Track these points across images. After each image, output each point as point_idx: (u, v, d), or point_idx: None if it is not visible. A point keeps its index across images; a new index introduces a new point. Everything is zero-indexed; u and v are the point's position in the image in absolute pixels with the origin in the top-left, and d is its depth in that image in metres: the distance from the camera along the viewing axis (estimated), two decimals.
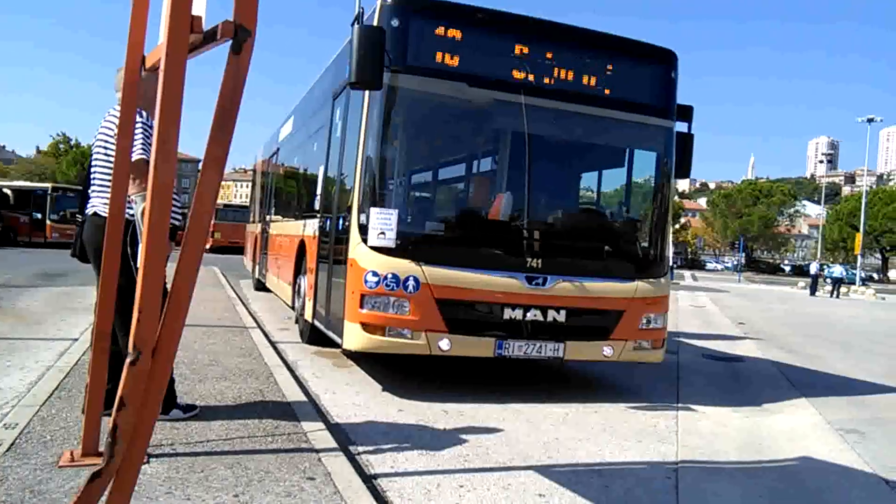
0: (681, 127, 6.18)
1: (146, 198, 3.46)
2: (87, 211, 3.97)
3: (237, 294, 11.65)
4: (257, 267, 13.11)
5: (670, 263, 6.24)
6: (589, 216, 6.51)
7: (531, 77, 5.49)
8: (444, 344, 5.13)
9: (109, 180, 3.80)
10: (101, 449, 3.08)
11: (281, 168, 11.59)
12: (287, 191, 10.88)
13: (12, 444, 3.25)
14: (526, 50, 5.50)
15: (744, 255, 59.35)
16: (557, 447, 4.28)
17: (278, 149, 12.00)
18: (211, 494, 2.85)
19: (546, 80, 5.55)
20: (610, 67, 5.77)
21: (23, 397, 4.25)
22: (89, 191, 4.04)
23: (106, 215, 3.74)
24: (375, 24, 5.15)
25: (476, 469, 3.73)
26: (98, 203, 3.88)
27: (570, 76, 5.63)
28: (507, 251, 5.41)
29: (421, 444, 4.06)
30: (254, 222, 14.65)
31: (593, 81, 5.70)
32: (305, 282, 7.31)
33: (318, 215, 6.98)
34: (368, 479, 3.34)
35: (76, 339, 6.33)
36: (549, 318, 5.35)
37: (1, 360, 5.55)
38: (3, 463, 3.00)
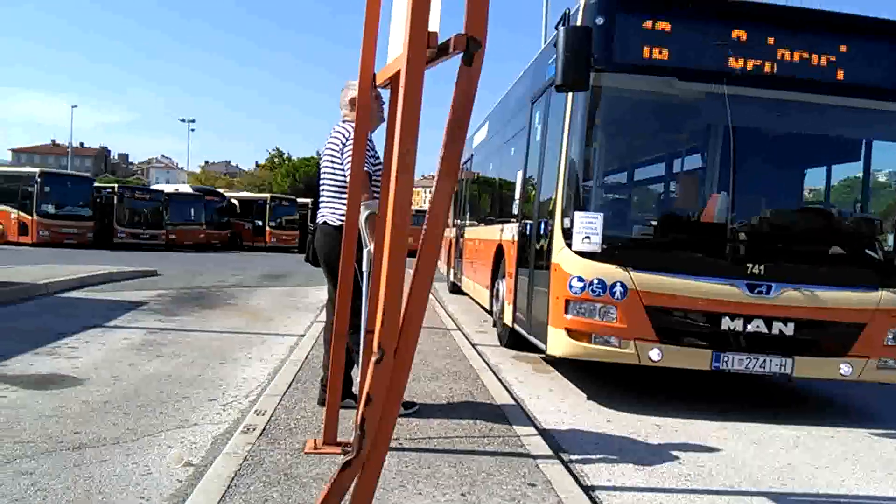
0: None
1: (369, 207, 3.74)
2: (317, 220, 4.31)
3: (434, 296, 12.15)
4: (452, 270, 13.58)
5: None
6: (819, 217, 5.84)
7: (751, 66, 5.07)
8: (655, 354, 4.90)
9: (336, 192, 4.13)
10: (340, 438, 3.36)
11: (475, 174, 11.89)
12: (482, 196, 11.14)
13: (264, 430, 3.64)
14: (744, 37, 5.09)
15: None
16: (791, 474, 3.88)
17: (472, 155, 12.32)
18: (440, 491, 2.96)
19: (768, 69, 5.09)
20: (845, 50, 5.16)
21: (265, 387, 4.76)
22: (319, 202, 4.37)
23: (334, 224, 4.08)
24: (580, 23, 5.07)
25: (700, 490, 3.50)
26: (327, 213, 4.19)
27: (798, 62, 5.11)
28: (725, 256, 5.03)
29: (635, 459, 3.90)
30: (448, 227, 15.19)
31: (825, 67, 5.12)
32: (504, 286, 7.40)
33: (517, 220, 7.03)
34: (587, 491, 3.27)
35: (302, 335, 6.99)
36: (775, 331, 4.89)
37: (244, 352, 6.29)
38: (258, 446, 3.37)
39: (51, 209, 24.17)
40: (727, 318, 4.91)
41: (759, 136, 5.38)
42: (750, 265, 4.95)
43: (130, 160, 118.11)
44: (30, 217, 23.69)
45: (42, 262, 13.92)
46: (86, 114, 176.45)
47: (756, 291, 4.90)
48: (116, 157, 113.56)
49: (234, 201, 34.20)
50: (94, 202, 25.99)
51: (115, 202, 26.56)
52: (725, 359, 4.90)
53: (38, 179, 24.07)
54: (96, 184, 28.53)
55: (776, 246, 5.18)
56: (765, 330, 4.90)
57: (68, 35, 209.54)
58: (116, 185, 30.02)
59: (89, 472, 3.11)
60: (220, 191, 37.96)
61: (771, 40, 5.11)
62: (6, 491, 2.86)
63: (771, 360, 4.90)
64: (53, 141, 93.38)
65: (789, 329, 4.90)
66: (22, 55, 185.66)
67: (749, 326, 4.91)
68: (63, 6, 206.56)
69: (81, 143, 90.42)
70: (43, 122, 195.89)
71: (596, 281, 4.95)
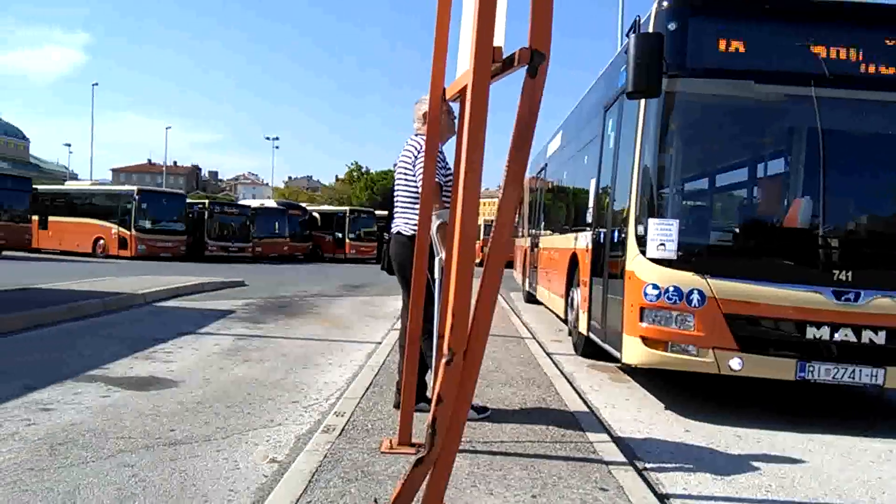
0: None
1: (440, 216, 3.85)
2: (392, 230, 4.46)
3: (509, 306, 12.18)
4: (527, 280, 13.56)
5: None
6: None
7: (831, 67, 4.89)
8: (736, 363, 4.77)
9: (409, 202, 4.27)
10: (415, 440, 3.47)
11: (549, 183, 11.87)
12: (556, 205, 11.10)
13: (343, 430, 3.80)
14: (826, 37, 4.93)
15: None
16: (882, 487, 3.70)
17: (546, 164, 12.31)
18: (511, 492, 3.02)
19: (851, 69, 4.90)
20: None
21: (344, 391, 4.95)
22: (393, 212, 4.52)
23: (407, 234, 4.21)
24: (652, 29, 5.04)
25: (781, 502, 3.40)
26: (400, 223, 4.33)
27: (883, 61, 4.90)
28: (808, 263, 4.86)
29: (714, 469, 3.82)
30: (522, 237, 15.19)
31: None
32: (579, 295, 7.36)
33: (591, 228, 7.00)
34: (661, 498, 3.24)
35: (379, 343, 7.19)
36: (865, 339, 4.67)
37: (324, 357, 6.54)
38: (338, 445, 3.53)
39: (147, 224, 25.71)
40: (812, 326, 4.73)
41: (846, 138, 5.17)
42: (836, 272, 4.76)
43: (219, 177, 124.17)
44: (128, 232, 25.29)
45: (139, 274, 14.86)
46: (179, 134, 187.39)
47: (843, 299, 4.70)
48: (207, 175, 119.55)
49: (316, 214, 35.31)
50: (186, 217, 27.45)
51: (206, 217, 27.98)
52: (811, 368, 4.72)
53: (136, 197, 25.67)
54: (188, 200, 30.10)
55: (864, 251, 4.95)
56: (853, 339, 4.69)
57: (163, 63, 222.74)
58: (207, 201, 31.59)
59: (183, 466, 3.35)
60: (303, 205, 39.26)
61: (854, 40, 4.92)
62: (111, 480, 3.12)
63: (861, 371, 4.68)
64: (149, 160, 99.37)
65: (880, 338, 4.67)
66: (122, 81, 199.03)
67: (836, 335, 4.71)
68: (156, 36, 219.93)
69: (175, 162, 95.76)
70: (140, 143, 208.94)
71: (672, 288, 4.88)
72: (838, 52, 4.89)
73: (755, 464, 3.97)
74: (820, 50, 4.91)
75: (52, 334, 7.24)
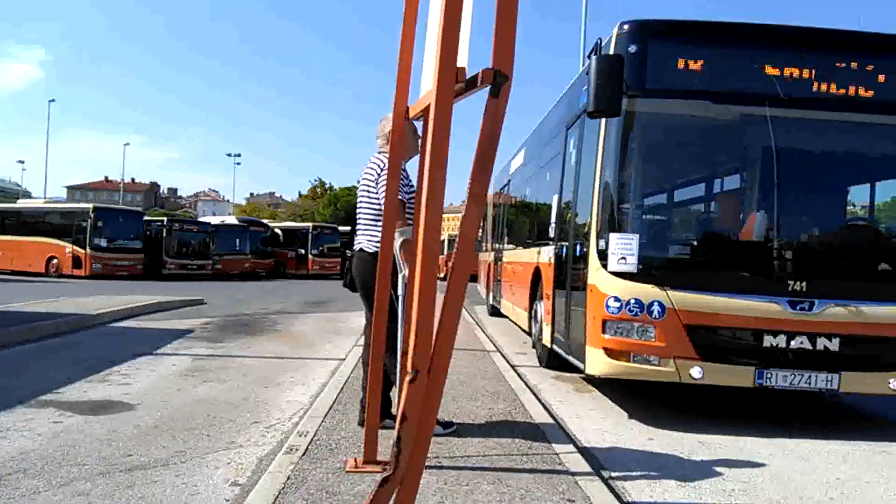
0: None
1: (403, 233, 3.84)
2: (354, 247, 4.43)
3: (474, 319, 12.19)
4: (491, 294, 13.61)
5: None
6: (861, 233, 5.73)
7: (785, 88, 5.08)
8: (696, 372, 4.86)
9: (371, 219, 4.25)
10: (380, 458, 3.43)
11: (513, 198, 11.97)
12: (520, 220, 11.19)
13: (306, 450, 3.74)
14: (778, 60, 5.11)
15: None
16: (840, 488, 3.81)
17: (509, 180, 12.42)
18: None
19: (804, 90, 5.11)
20: (880, 69, 5.13)
21: (308, 409, 4.88)
22: (356, 229, 4.50)
23: (370, 251, 4.19)
24: (612, 52, 5.15)
25: None
26: (363, 240, 4.31)
27: (832, 83, 5.12)
28: (765, 273, 5.00)
29: (678, 475, 3.87)
30: (486, 251, 15.26)
31: (861, 86, 5.12)
32: (542, 308, 7.42)
33: (554, 242, 7.07)
34: None
35: (343, 360, 7.11)
36: (819, 346, 4.82)
37: (286, 375, 6.44)
38: (302, 465, 3.47)
39: (103, 243, 25.00)
40: (769, 335, 4.86)
41: (800, 155, 5.35)
42: (791, 282, 4.91)
43: (179, 194, 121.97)
44: (83, 251, 24.57)
45: (95, 294, 14.45)
46: (137, 151, 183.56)
47: (798, 308, 4.85)
48: (166, 192, 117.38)
49: (278, 231, 34.92)
50: (144, 235, 26.84)
51: (165, 235, 27.37)
52: (769, 375, 4.84)
53: (92, 214, 24.99)
54: (146, 217, 29.43)
55: (818, 262, 5.12)
56: (809, 346, 4.83)
57: (122, 79, 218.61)
58: (165, 219, 30.96)
59: (141, 493, 3.24)
60: (265, 221, 38.79)
61: (805, 62, 5.12)
62: None
63: (816, 376, 4.83)
64: (106, 178, 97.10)
65: (834, 345, 4.82)
66: (79, 98, 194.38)
67: (792, 343, 4.85)
68: (115, 53, 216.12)
69: (133, 179, 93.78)
70: (97, 160, 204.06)
71: (633, 301, 4.96)
72: (791, 74, 5.09)
73: (719, 469, 4.04)
74: (774, 72, 5.11)
75: (3, 357, 6.98)
